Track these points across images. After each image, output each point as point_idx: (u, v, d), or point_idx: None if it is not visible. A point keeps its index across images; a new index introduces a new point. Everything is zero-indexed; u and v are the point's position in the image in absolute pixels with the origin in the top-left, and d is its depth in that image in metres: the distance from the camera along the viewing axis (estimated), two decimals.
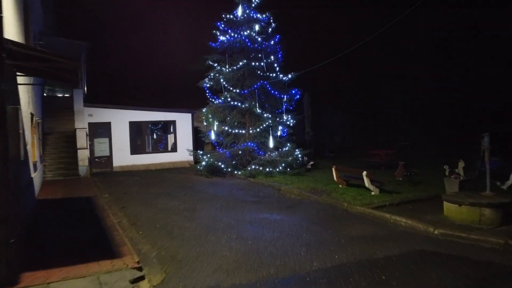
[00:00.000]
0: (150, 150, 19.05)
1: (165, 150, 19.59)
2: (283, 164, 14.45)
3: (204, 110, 15.34)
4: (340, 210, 9.09)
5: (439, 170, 14.62)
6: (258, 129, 14.74)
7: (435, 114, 29.05)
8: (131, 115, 18.31)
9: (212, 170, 14.94)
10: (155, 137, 19.75)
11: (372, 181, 10.23)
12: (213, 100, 15.71)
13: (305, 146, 20.95)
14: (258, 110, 14.44)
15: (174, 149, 19.38)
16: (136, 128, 18.77)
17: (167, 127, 19.71)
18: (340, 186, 11.47)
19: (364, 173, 10.15)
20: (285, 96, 15.18)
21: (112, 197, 11.08)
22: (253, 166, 14.32)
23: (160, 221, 8.15)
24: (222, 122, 15.81)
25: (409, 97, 29.92)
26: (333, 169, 11.55)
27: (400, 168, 12.35)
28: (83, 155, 15.66)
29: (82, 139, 16.31)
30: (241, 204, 9.93)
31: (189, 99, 21.55)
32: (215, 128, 15.47)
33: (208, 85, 15.66)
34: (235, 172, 14.81)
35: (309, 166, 17.13)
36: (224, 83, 15.05)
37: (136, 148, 18.66)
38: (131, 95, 26.82)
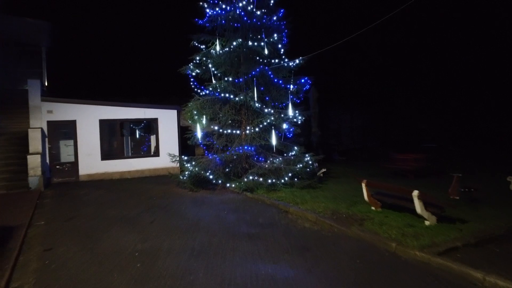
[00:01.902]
0: (126, 155, 15.68)
1: (145, 154, 16.22)
2: (290, 174, 11.09)
3: (190, 105, 11.90)
4: (386, 256, 5.74)
5: (494, 181, 11.30)
6: (257, 129, 11.37)
7: (459, 112, 25.65)
8: (102, 112, 14.96)
9: (199, 182, 11.58)
10: (132, 138, 16.36)
11: (426, 205, 6.89)
12: (199, 91, 12.33)
13: (311, 148, 17.63)
14: (257, 104, 11.05)
15: (156, 153, 16.02)
16: (108, 128, 15.41)
17: (147, 126, 16.35)
18: (373, 208, 8.13)
19: (415, 193, 6.80)
20: (291, 86, 11.79)
21: (47, 227, 7.72)
22: (250, 177, 10.96)
23: (89, 285, 4.81)
24: (211, 119, 12.47)
25: (427, 92, 26.61)
26: (363, 185, 8.21)
27: (455, 183, 8.97)
28: (34, 162, 12.29)
29: (36, 142, 12.96)
30: (231, 241, 6.58)
31: (176, 94, 18.07)
32: (203, 128, 12.15)
33: (193, 73, 12.29)
34: (228, 185, 11.46)
35: (321, 174, 13.77)
36: (213, 69, 11.68)
37: (109, 152, 15.30)
38: (106, 89, 23.16)
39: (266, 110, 11.33)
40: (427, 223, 6.84)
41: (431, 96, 26.83)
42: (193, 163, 11.49)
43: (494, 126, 23.63)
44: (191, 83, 12.44)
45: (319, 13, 29.83)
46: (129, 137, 15.78)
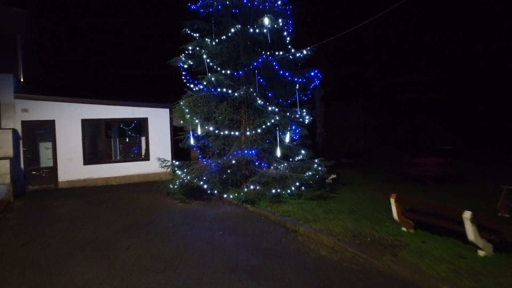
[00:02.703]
0: (113, 159, 14.08)
1: (133, 158, 14.61)
2: (297, 183, 9.49)
3: (181, 103, 10.26)
4: None
5: None
6: (259, 130, 9.76)
7: (471, 110, 24.03)
8: (84, 111, 13.35)
9: (191, 191, 9.99)
10: (119, 141, 14.74)
11: (480, 229, 5.31)
12: (192, 86, 10.71)
13: (317, 151, 16.05)
14: (260, 101, 9.44)
15: (146, 157, 14.42)
16: (92, 129, 13.82)
17: (136, 127, 14.75)
18: (404, 229, 6.55)
19: (468, 215, 5.21)
20: (299, 80, 10.18)
21: None
22: (251, 187, 9.37)
23: None
24: (206, 119, 10.88)
25: (434, 89, 24.94)
26: (392, 200, 6.62)
27: (504, 197, 7.35)
28: (2, 169, 10.69)
29: (6, 145, 11.36)
30: (227, 278, 4.99)
31: (174, 93, 16.40)
32: (196, 128, 10.55)
33: (185, 65, 10.67)
34: (225, 195, 9.88)
35: (330, 181, 12.24)
36: (208, 60, 10.06)
37: (92, 156, 13.70)
38: (91, 87, 21.34)
39: (270, 108, 9.71)
40: (481, 253, 5.26)
41: (440, 93, 25.16)
42: (185, 170, 9.87)
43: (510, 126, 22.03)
44: (183, 77, 10.84)
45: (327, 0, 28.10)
46: (115, 139, 14.19)
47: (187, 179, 9.44)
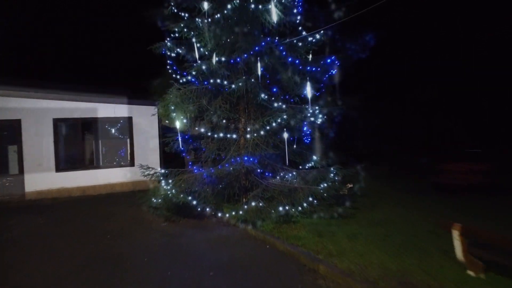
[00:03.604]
0: (91, 165, 12.13)
1: (116, 164, 12.65)
2: (311, 197, 7.56)
3: (167, 98, 8.29)
4: None
5: None
6: (262, 132, 7.81)
7: (492, 110, 22.09)
8: (57, 109, 11.42)
9: (179, 207, 8.03)
10: (99, 144, 12.80)
11: None
12: (178, 77, 8.76)
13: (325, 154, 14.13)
14: (263, 95, 7.49)
15: (130, 162, 12.48)
16: (66, 130, 11.88)
17: (119, 127, 12.81)
18: (471, 273, 4.61)
19: None
20: (312, 70, 8.22)
21: None
22: (253, 203, 7.42)
23: None
24: (198, 118, 8.95)
25: (450, 85, 22.96)
26: (455, 234, 4.67)
27: None
28: None
29: None
30: None
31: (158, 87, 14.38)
32: (186, 129, 8.64)
33: (172, 53, 8.72)
34: (219, 214, 7.94)
35: (345, 191, 10.33)
36: (198, 45, 8.11)
37: (67, 161, 11.74)
38: (69, 81, 19.15)
39: (275, 105, 7.75)
40: None
41: (456, 90, 23.15)
42: (170, 181, 7.91)
43: None
44: (169, 68, 8.90)
45: None
46: (94, 142, 12.25)
47: (171, 192, 7.49)
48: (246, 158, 7.85)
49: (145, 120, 12.58)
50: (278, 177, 8.42)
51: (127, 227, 7.69)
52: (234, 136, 8.39)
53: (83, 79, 19.58)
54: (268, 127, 7.70)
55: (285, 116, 7.40)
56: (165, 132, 12.64)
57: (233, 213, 7.44)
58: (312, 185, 7.91)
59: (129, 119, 12.47)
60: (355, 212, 8.21)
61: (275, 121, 7.52)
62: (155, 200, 8.40)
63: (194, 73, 7.48)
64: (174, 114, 7.96)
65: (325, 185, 7.85)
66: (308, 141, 9.19)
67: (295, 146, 9.18)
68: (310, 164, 9.18)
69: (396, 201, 9.46)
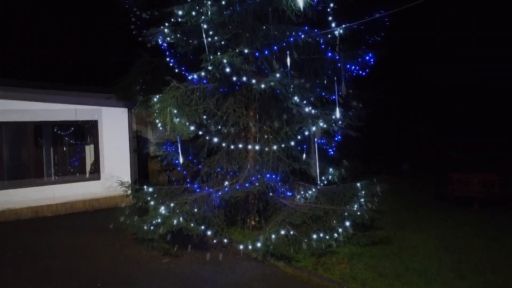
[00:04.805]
0: (46, 179, 9.79)
1: (77, 177, 10.41)
2: (348, 222, 6.28)
3: (165, 99, 6.42)
4: None
5: None
6: (292, 142, 6.39)
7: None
8: (3, 109, 9.01)
9: (179, 236, 6.28)
10: (56, 152, 10.47)
11: None
12: (183, 75, 7.02)
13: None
14: (296, 98, 6.04)
15: (95, 174, 10.32)
16: (14, 136, 9.45)
17: (81, 133, 10.59)
18: None
19: None
20: (351, 68, 6.98)
21: None
22: (282, 231, 5.96)
23: None
24: (200, 124, 7.21)
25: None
26: None
27: None
28: None
29: None
30: None
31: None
32: (187, 136, 6.90)
33: (171, 41, 6.92)
34: (228, 241, 6.34)
35: None
36: (211, 32, 6.43)
37: (14, 174, 9.30)
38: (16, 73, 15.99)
39: (306, 110, 6.36)
40: None
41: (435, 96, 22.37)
42: (172, 205, 6.15)
43: None
44: (167, 62, 7.12)
45: None
46: (50, 151, 9.96)
47: (180, 223, 5.76)
48: (268, 176, 6.36)
49: (114, 124, 10.47)
50: (298, 196, 7.06)
51: (114, 271, 5.74)
52: (249, 146, 6.85)
53: (42, 75, 16.57)
54: (299, 137, 6.30)
55: (321, 124, 6.04)
56: (140, 140, 10.71)
57: (258, 244, 5.90)
58: (342, 205, 6.68)
59: (94, 123, 10.30)
60: (388, 235, 7.09)
61: (308, 129, 6.14)
62: (147, 228, 6.54)
63: (210, 67, 5.80)
64: (177, 119, 6.21)
65: (356, 204, 6.65)
66: (332, 153, 7.92)
67: (304, 156, 7.87)
68: (326, 177, 7.94)
69: (419, 219, 8.50)
